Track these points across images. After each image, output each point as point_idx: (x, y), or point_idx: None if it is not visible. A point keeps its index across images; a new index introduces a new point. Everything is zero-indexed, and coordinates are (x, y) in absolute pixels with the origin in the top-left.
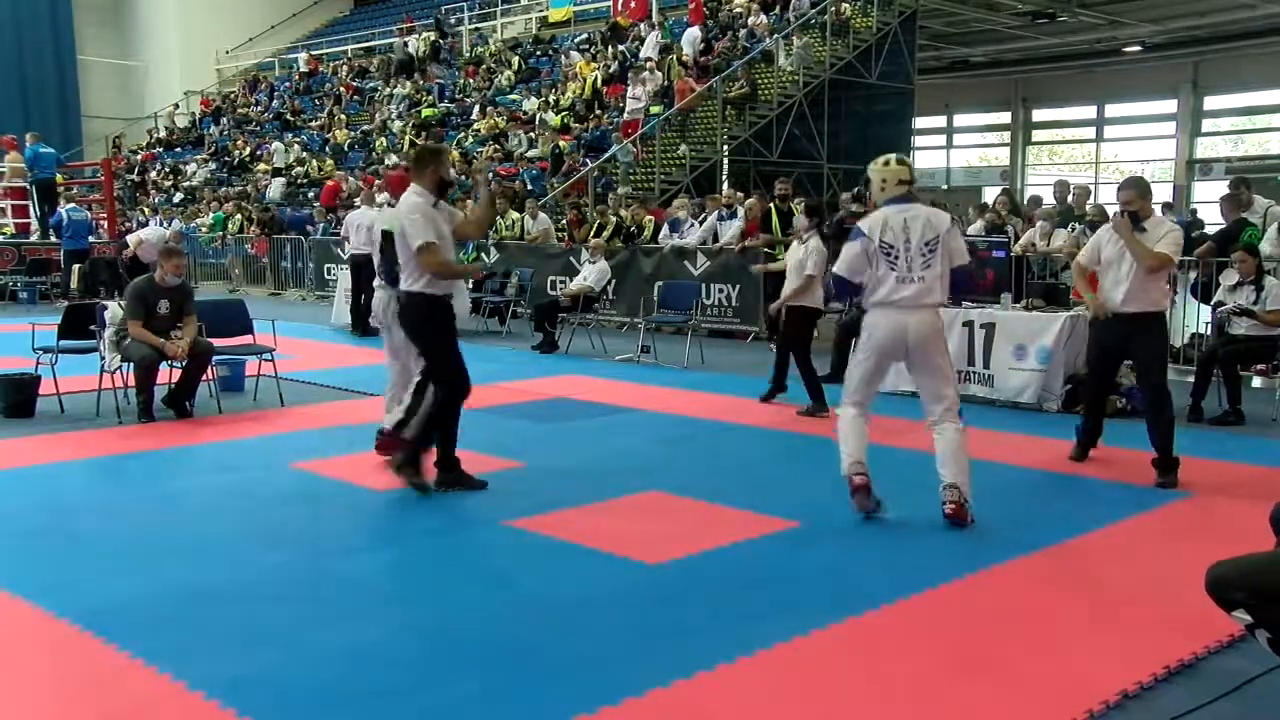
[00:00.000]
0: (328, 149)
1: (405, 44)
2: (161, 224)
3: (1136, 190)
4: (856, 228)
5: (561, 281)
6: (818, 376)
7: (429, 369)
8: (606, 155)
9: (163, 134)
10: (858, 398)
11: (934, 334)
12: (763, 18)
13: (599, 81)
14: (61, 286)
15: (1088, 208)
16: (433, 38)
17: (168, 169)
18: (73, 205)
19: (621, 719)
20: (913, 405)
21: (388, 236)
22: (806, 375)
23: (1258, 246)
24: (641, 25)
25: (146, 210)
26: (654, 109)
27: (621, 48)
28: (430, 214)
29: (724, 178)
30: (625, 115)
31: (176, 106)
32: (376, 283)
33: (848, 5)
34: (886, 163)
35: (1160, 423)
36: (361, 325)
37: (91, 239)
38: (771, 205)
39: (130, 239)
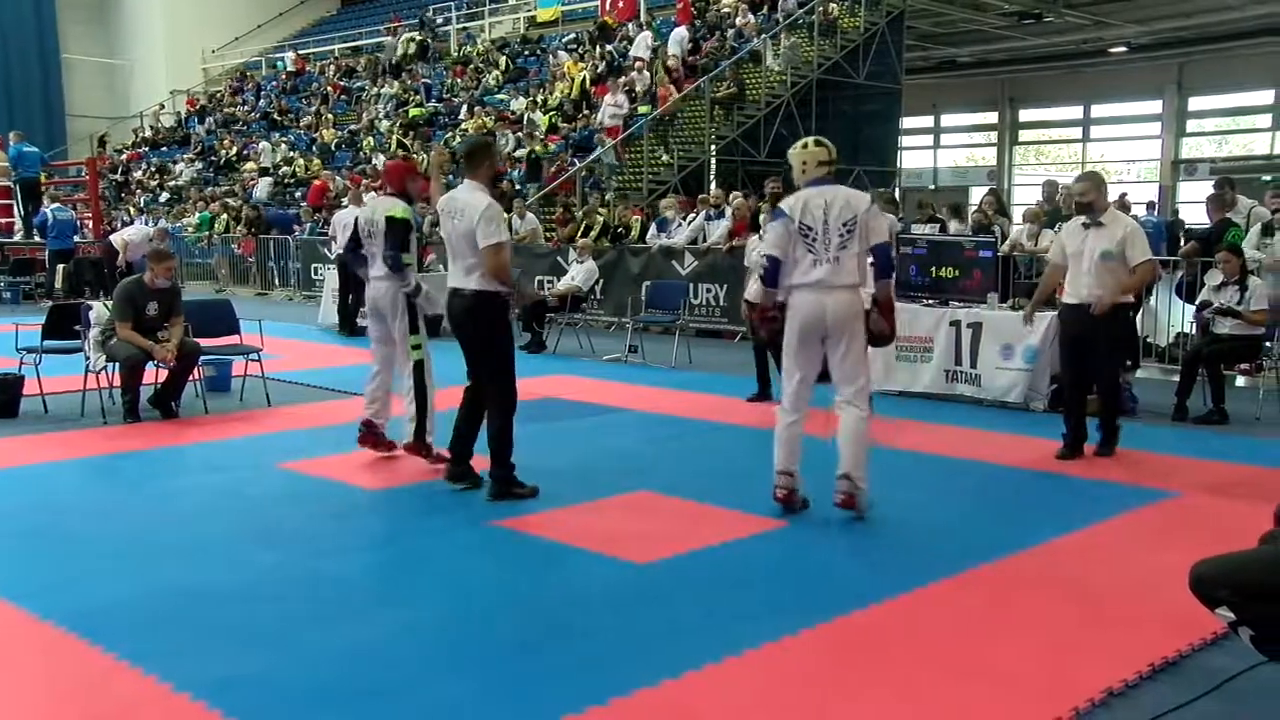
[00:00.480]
0: (315, 149)
1: (395, 44)
2: (147, 223)
3: (1091, 183)
4: (779, 209)
5: (549, 281)
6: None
7: (493, 372)
8: (593, 156)
9: (148, 133)
10: (792, 398)
11: (852, 315)
12: (750, 18)
13: (587, 81)
14: (46, 286)
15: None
16: (418, 37)
17: (154, 169)
18: (57, 205)
19: (609, 719)
20: (914, 405)
21: (395, 224)
22: (761, 361)
23: (1241, 247)
24: (630, 25)
25: (131, 210)
26: (642, 109)
27: (609, 48)
28: (500, 212)
29: (711, 177)
30: (606, 121)
31: (162, 107)
32: (376, 271)
33: (835, 5)
34: (805, 145)
35: (1109, 405)
36: (349, 325)
37: (76, 239)
38: (762, 205)
39: (115, 240)
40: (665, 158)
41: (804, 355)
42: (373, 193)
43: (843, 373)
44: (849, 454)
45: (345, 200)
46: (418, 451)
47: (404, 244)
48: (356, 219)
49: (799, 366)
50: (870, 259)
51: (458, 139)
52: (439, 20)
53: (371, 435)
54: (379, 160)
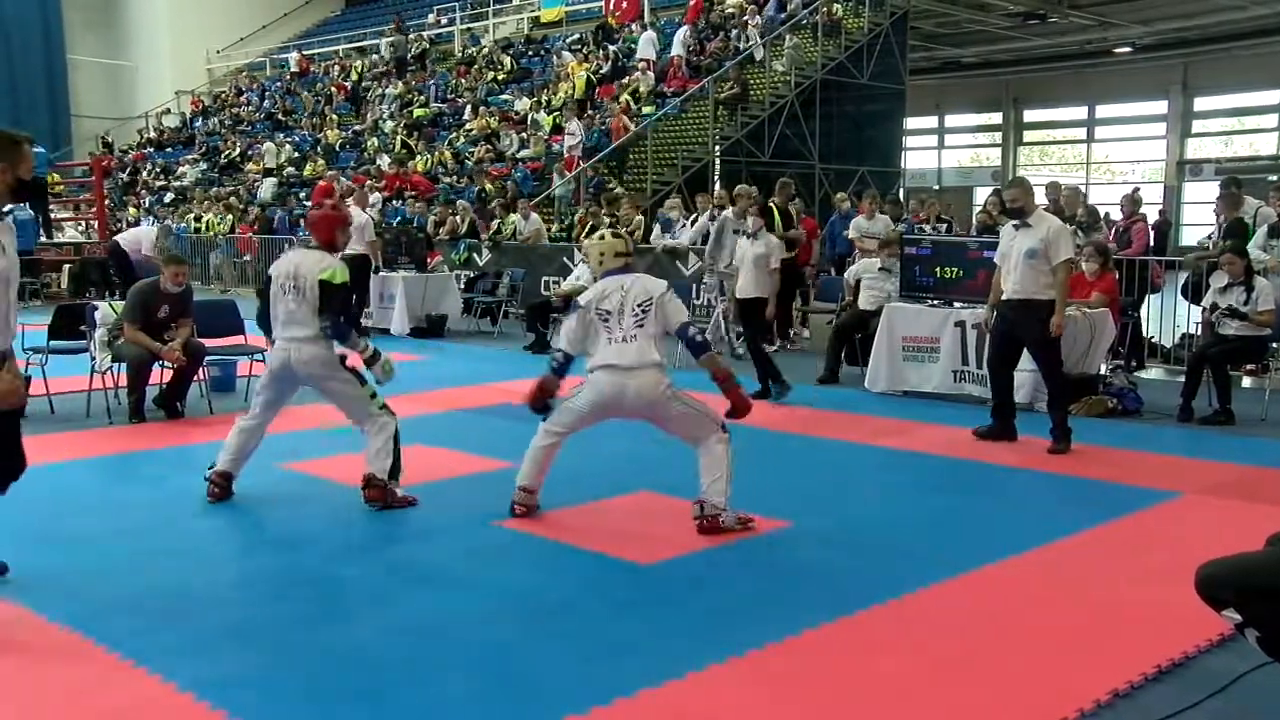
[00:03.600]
0: (319, 149)
1: (392, 45)
2: (152, 223)
3: (1021, 189)
4: (574, 301)
5: (554, 282)
6: (771, 361)
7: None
8: (584, 165)
9: (152, 134)
10: (560, 430)
11: (659, 392)
12: (758, 18)
13: (590, 81)
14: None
15: (1080, 210)
16: (404, 41)
17: (158, 169)
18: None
19: (613, 719)
20: (914, 405)
21: (330, 290)
22: (760, 360)
23: (1246, 248)
24: (634, 25)
25: (133, 210)
26: (646, 109)
27: (613, 48)
28: None
29: (716, 178)
30: (565, 150)
31: (168, 111)
32: (296, 332)
33: (839, 6)
34: (603, 237)
35: (1056, 399)
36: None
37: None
38: (773, 204)
39: (123, 241)
40: (620, 189)
41: (578, 421)
42: (377, 194)
43: (690, 436)
44: (704, 478)
45: (350, 201)
46: (382, 496)
47: (343, 311)
48: (269, 274)
49: (569, 424)
50: (680, 344)
51: (461, 139)
52: (443, 21)
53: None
54: (383, 161)
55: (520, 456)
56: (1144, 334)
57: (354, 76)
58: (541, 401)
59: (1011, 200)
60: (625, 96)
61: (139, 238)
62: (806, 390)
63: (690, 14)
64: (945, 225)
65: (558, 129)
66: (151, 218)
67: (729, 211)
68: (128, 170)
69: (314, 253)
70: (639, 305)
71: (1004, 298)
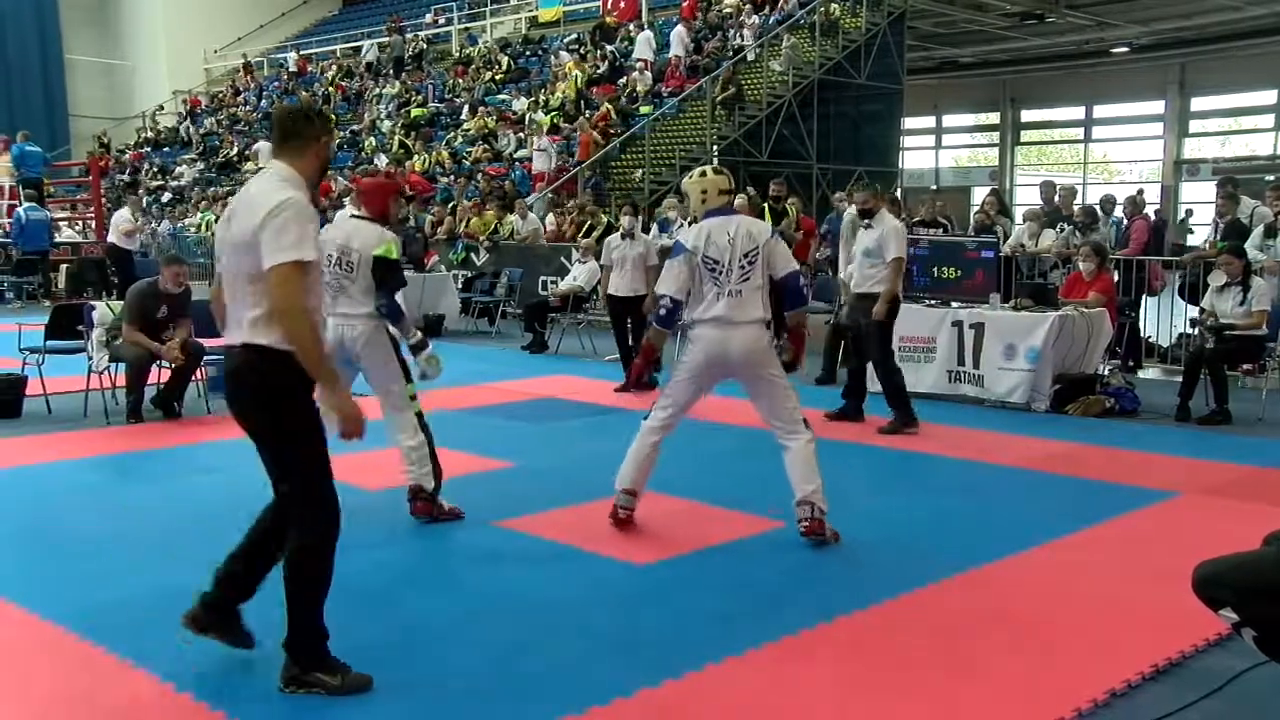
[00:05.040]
0: None
1: (385, 46)
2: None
3: (870, 192)
4: (679, 242)
5: (551, 282)
6: None
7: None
8: (582, 165)
9: (149, 134)
10: (667, 414)
11: (760, 350)
12: (754, 18)
13: (586, 81)
14: (14, 290)
15: (1075, 207)
16: (401, 41)
17: (155, 169)
18: (31, 204)
19: (611, 718)
20: (916, 406)
21: (385, 265)
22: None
23: (1244, 247)
24: (630, 25)
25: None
26: (643, 109)
27: (610, 48)
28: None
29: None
30: (534, 167)
31: (161, 108)
32: (347, 308)
33: (836, 6)
34: (704, 173)
35: (886, 383)
36: None
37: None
38: (765, 205)
39: (115, 237)
40: (638, 175)
41: (692, 388)
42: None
43: (769, 409)
44: (802, 482)
45: (347, 200)
46: (430, 509)
47: (398, 289)
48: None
49: (681, 397)
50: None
51: (459, 139)
52: (441, 21)
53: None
54: (380, 160)
55: (517, 456)
56: (1142, 334)
57: (355, 77)
58: (653, 364)
59: (862, 203)
60: (606, 105)
61: (115, 224)
62: (804, 390)
63: (685, 11)
64: (942, 228)
65: (555, 129)
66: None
67: (851, 210)
68: (127, 170)
69: (367, 225)
70: (745, 256)
71: (854, 291)
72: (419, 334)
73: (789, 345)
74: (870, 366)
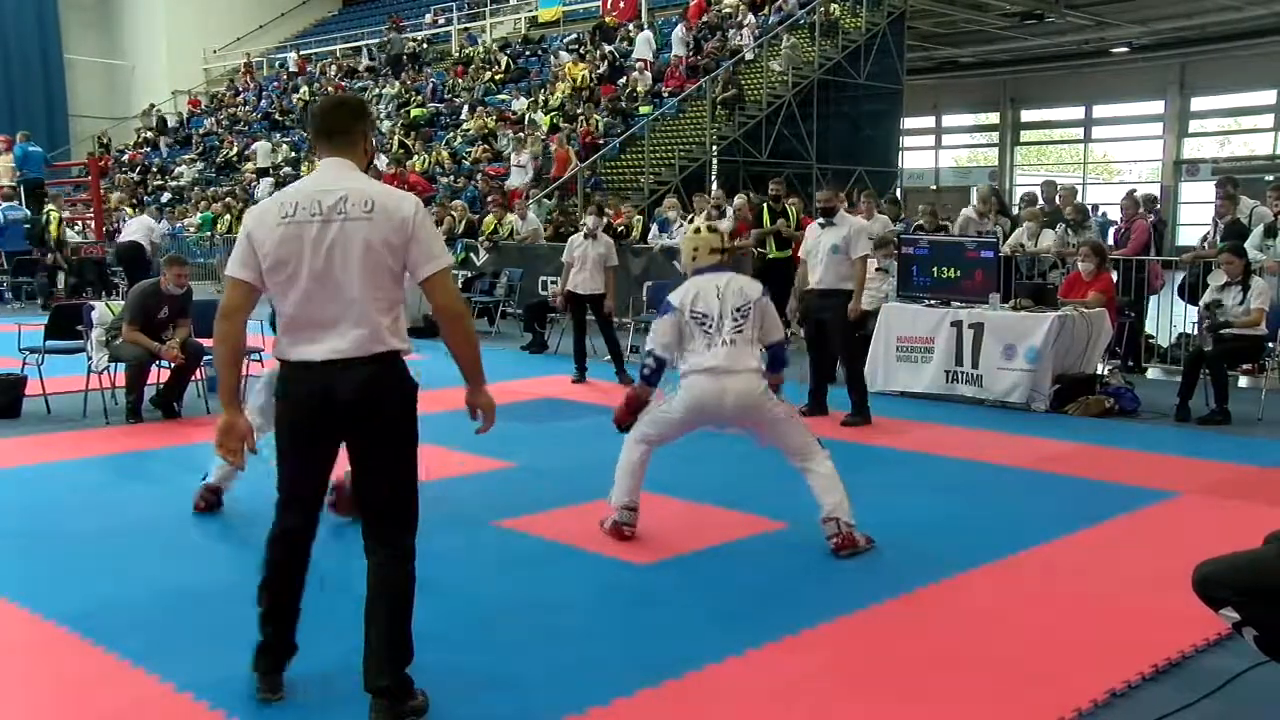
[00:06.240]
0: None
1: (388, 43)
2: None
3: (831, 191)
4: (666, 301)
5: (552, 282)
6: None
7: (403, 484)
8: (582, 165)
9: (150, 134)
10: (651, 435)
11: (755, 397)
12: (751, 17)
13: (588, 80)
14: (13, 290)
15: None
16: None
17: (155, 169)
18: (10, 204)
19: (611, 719)
20: (914, 405)
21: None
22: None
23: (1244, 247)
24: (630, 25)
25: (129, 211)
26: (643, 109)
27: (610, 48)
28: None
29: (713, 178)
30: (510, 183)
31: (153, 106)
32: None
33: (836, 6)
34: (698, 230)
35: (853, 376)
36: None
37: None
38: (764, 205)
39: (137, 237)
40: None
41: (680, 429)
42: None
43: (783, 448)
44: (828, 498)
45: None
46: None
47: None
48: None
49: (666, 430)
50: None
51: (459, 140)
52: (440, 21)
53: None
54: (381, 161)
55: (517, 456)
56: (1144, 336)
57: (355, 77)
58: (633, 417)
59: (824, 201)
60: (594, 117)
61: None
62: (803, 390)
63: (692, 12)
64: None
65: (555, 129)
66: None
67: (968, 210)
68: (139, 170)
69: None
70: (738, 310)
71: (812, 288)
72: None
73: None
74: (839, 360)
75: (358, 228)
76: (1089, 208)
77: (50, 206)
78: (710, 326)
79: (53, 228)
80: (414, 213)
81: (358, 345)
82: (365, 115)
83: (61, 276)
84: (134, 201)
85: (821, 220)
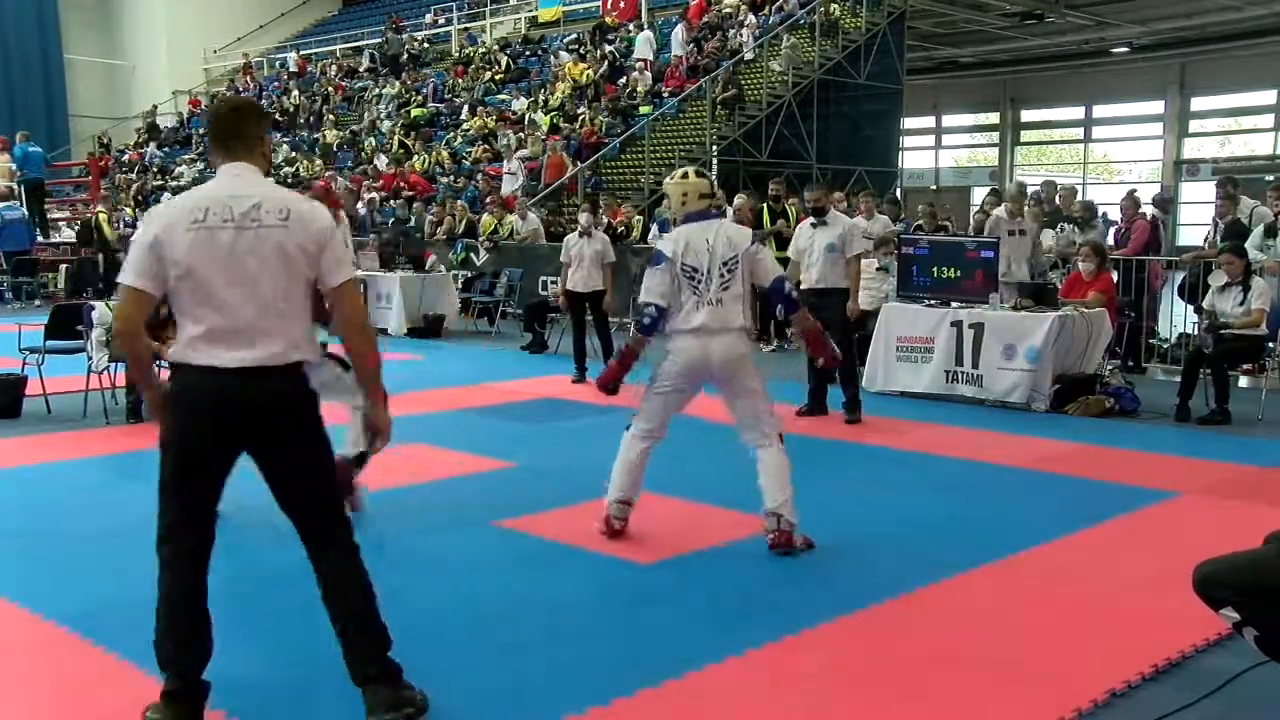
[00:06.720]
0: (317, 149)
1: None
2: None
3: (821, 190)
4: (659, 251)
5: (552, 282)
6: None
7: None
8: (582, 165)
9: (147, 135)
10: (650, 427)
11: (740, 358)
12: (751, 17)
13: (591, 78)
14: (13, 290)
15: (1075, 206)
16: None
17: (155, 169)
18: (7, 204)
19: (611, 719)
20: (914, 405)
21: None
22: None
23: (1244, 247)
24: (630, 25)
25: (130, 211)
26: (643, 109)
27: (610, 48)
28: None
29: (713, 178)
30: (503, 189)
31: (155, 108)
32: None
33: (836, 6)
34: (685, 175)
35: (846, 373)
36: None
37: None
38: (765, 205)
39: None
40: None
41: (674, 398)
42: (374, 194)
43: (742, 416)
44: (774, 492)
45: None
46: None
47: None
48: None
49: (662, 407)
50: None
51: (459, 139)
52: (440, 21)
53: None
54: (381, 161)
55: (517, 456)
56: (1148, 337)
57: (355, 77)
58: (624, 372)
59: (815, 200)
60: (556, 149)
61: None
62: (804, 391)
63: (693, 12)
64: (942, 229)
65: (555, 129)
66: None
67: (1001, 211)
68: (138, 169)
69: None
70: (725, 264)
71: (804, 287)
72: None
73: (812, 350)
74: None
75: (273, 234)
76: (1096, 205)
77: (100, 208)
78: (699, 281)
79: (106, 229)
80: (328, 222)
81: (273, 354)
82: (263, 120)
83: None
84: (135, 201)
85: (813, 220)
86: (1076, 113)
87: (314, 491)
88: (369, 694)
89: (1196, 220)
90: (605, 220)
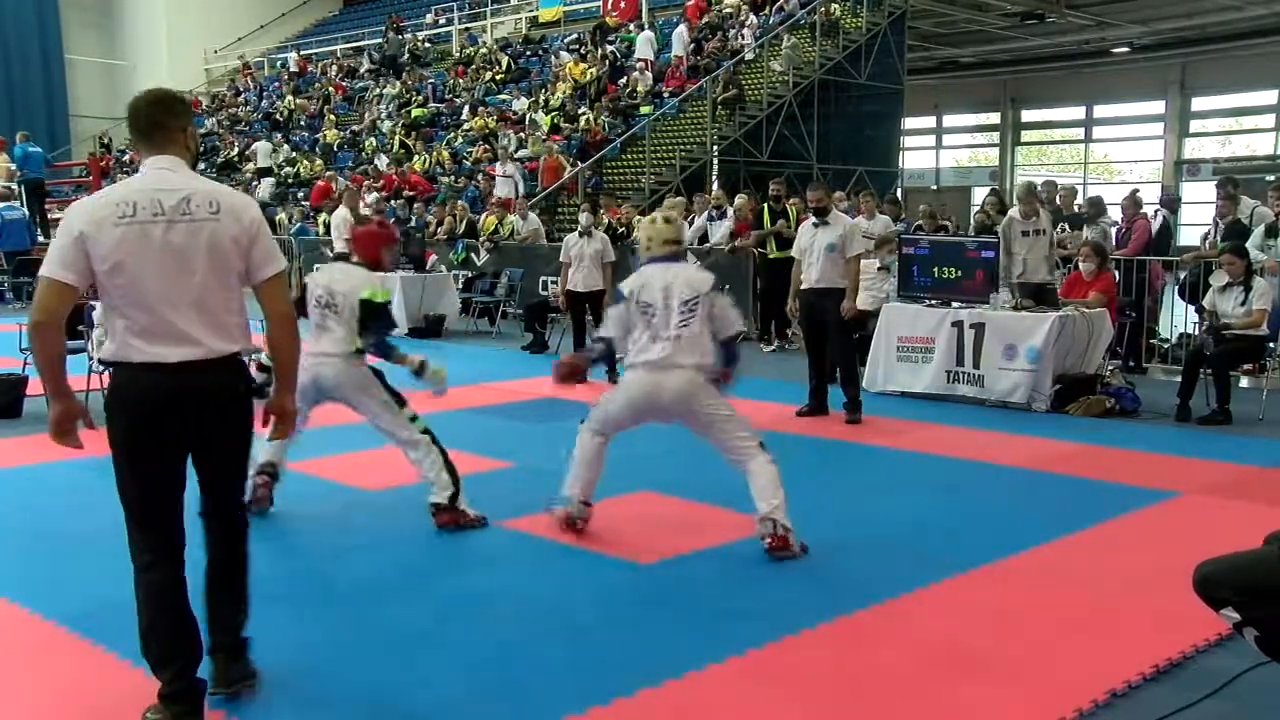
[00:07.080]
0: (317, 149)
1: (387, 42)
2: None
3: (823, 190)
4: (618, 290)
5: (552, 282)
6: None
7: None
8: (582, 165)
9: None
10: (602, 429)
11: (693, 391)
12: (752, 18)
13: (593, 78)
14: (14, 290)
15: (1076, 205)
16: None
17: None
18: (7, 204)
19: (612, 719)
20: (914, 405)
21: (374, 309)
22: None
23: (1246, 247)
24: (631, 25)
25: None
26: (644, 109)
27: (611, 48)
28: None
29: (714, 178)
30: (498, 191)
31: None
32: (324, 346)
33: (837, 6)
34: (654, 221)
35: (847, 373)
36: None
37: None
38: (765, 205)
39: None
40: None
41: (628, 416)
42: (375, 193)
43: (718, 444)
44: (767, 499)
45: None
46: (455, 520)
47: (389, 328)
48: (305, 285)
49: (616, 418)
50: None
51: (460, 139)
52: (441, 21)
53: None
54: (381, 161)
55: (517, 456)
56: (1148, 337)
57: (355, 77)
58: (568, 378)
59: (816, 200)
60: (553, 150)
61: None
62: (804, 391)
63: (693, 12)
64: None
65: (556, 129)
66: None
67: (1014, 212)
68: (136, 169)
69: (356, 270)
70: (685, 304)
71: (807, 287)
72: (416, 357)
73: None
74: (832, 356)
75: (204, 228)
76: (1103, 200)
77: None
78: (654, 316)
79: None
80: (258, 215)
81: (210, 347)
82: (185, 112)
83: None
84: None
85: (815, 220)
86: (1077, 113)
87: (238, 479)
88: (213, 663)
89: (1197, 220)
90: (605, 219)
